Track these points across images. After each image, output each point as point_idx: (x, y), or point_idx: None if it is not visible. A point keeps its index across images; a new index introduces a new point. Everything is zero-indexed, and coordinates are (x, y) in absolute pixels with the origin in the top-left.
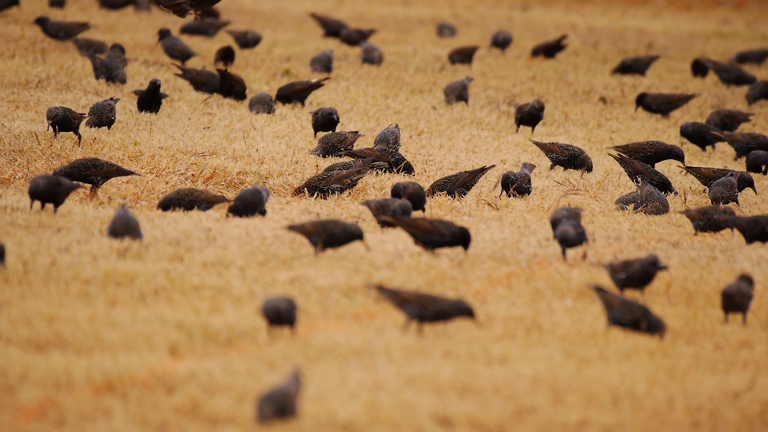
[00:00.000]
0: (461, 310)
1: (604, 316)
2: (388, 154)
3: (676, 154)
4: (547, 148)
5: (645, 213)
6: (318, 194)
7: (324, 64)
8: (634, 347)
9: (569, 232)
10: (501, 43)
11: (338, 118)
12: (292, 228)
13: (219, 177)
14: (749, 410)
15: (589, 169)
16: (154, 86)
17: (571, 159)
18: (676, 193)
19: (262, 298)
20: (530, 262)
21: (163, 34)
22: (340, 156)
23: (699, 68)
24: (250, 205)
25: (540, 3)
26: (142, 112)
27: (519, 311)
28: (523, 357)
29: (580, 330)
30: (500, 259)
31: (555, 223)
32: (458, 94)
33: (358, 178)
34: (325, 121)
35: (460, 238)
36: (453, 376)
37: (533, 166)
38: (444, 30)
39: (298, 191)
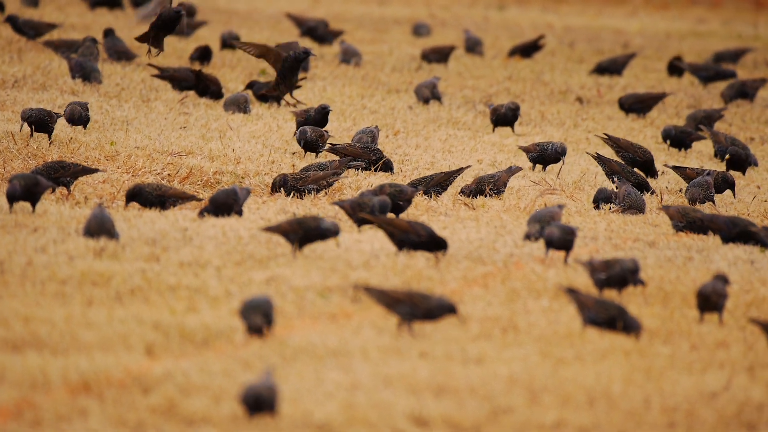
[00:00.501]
0: (446, 308)
1: (579, 316)
2: (369, 152)
3: (654, 173)
4: (526, 149)
5: (621, 212)
6: (294, 194)
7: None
8: (610, 347)
9: (554, 233)
10: (471, 47)
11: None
12: (269, 229)
13: (195, 177)
14: (725, 410)
15: (562, 154)
16: (179, 14)
17: (542, 153)
18: (653, 192)
19: (238, 298)
20: (506, 262)
21: (107, 33)
22: (317, 155)
23: (675, 68)
24: (223, 206)
25: (516, 3)
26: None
27: (495, 311)
28: (499, 357)
29: (556, 330)
30: (476, 259)
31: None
32: (429, 93)
33: (335, 180)
34: (319, 116)
35: (437, 242)
36: (429, 376)
37: (519, 168)
38: (419, 29)
39: (274, 188)
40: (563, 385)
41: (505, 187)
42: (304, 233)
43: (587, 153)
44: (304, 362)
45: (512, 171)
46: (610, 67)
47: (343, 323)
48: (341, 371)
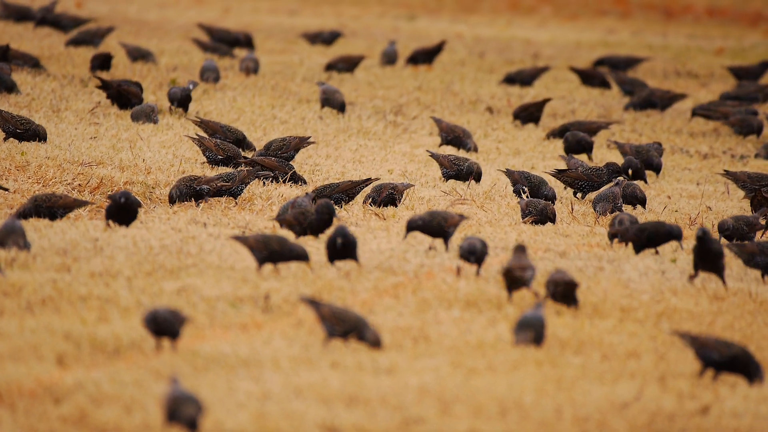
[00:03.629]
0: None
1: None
2: (285, 165)
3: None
4: (440, 162)
5: (532, 223)
6: (194, 201)
7: (215, 74)
8: (521, 357)
9: (476, 245)
10: (391, 58)
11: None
12: (237, 238)
13: (106, 187)
14: (637, 420)
15: (477, 178)
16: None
17: (459, 172)
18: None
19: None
20: (417, 272)
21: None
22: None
23: (586, 78)
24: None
25: (426, 13)
26: None
27: (406, 322)
28: (410, 367)
29: (468, 340)
30: (387, 270)
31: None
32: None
33: (243, 188)
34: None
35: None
36: (340, 386)
37: (411, 185)
38: (320, 37)
39: (172, 199)
40: (475, 395)
41: (401, 197)
42: (268, 253)
43: (499, 170)
44: (215, 372)
45: (406, 186)
46: (517, 78)
47: (254, 333)
48: (252, 381)
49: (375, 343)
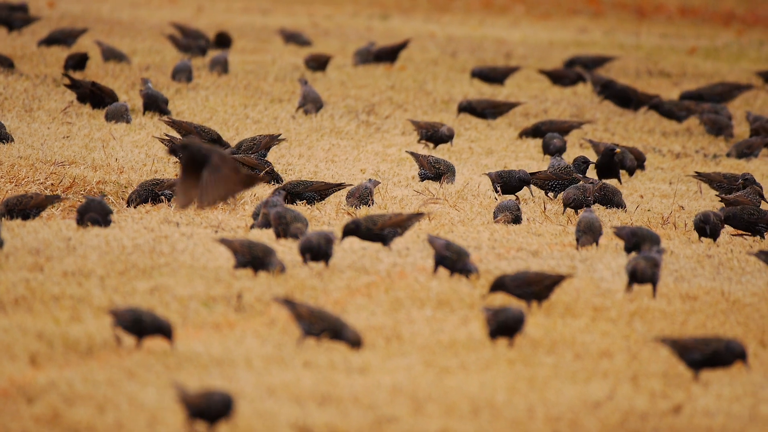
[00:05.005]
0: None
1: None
2: (263, 163)
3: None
4: (419, 162)
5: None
6: (150, 200)
7: (187, 74)
8: (494, 357)
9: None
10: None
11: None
12: (223, 241)
13: (78, 186)
14: (609, 420)
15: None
16: (611, 153)
17: (437, 175)
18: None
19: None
20: (390, 271)
21: None
22: None
23: (557, 78)
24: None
25: (399, 12)
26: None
27: (379, 321)
28: (382, 367)
29: (440, 339)
30: (360, 269)
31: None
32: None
33: None
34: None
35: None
36: (313, 385)
37: (378, 182)
38: (294, 38)
39: (129, 201)
40: (447, 394)
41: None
42: (251, 258)
43: (484, 174)
44: (188, 371)
45: (373, 183)
46: (490, 75)
47: (227, 333)
48: (225, 380)
49: (356, 342)
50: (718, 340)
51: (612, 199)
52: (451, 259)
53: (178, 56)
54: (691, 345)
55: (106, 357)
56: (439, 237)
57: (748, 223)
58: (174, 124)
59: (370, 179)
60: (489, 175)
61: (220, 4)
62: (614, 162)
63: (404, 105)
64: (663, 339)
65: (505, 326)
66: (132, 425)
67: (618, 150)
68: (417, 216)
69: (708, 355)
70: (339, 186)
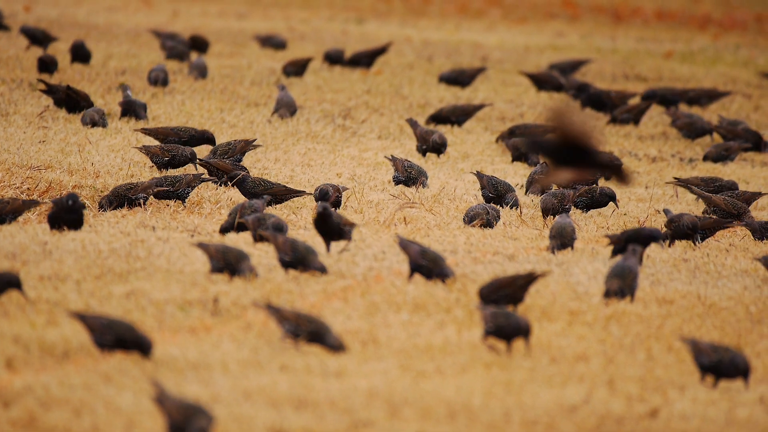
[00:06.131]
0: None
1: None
2: (240, 169)
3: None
4: (395, 166)
5: (481, 226)
6: (126, 204)
7: (162, 78)
8: (470, 360)
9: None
10: (334, 58)
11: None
12: (200, 245)
13: (55, 191)
14: (585, 423)
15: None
16: None
17: (409, 178)
18: (508, 205)
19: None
20: (366, 275)
21: None
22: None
23: (538, 81)
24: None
25: (375, 16)
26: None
27: (355, 325)
28: (359, 370)
29: (416, 343)
30: (336, 273)
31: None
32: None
33: (189, 191)
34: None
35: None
36: (289, 389)
37: (345, 188)
38: (270, 41)
39: (100, 205)
40: (423, 398)
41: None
42: (225, 262)
43: (471, 172)
44: (164, 375)
45: (341, 189)
46: (458, 79)
47: (203, 337)
48: (201, 384)
49: (338, 347)
50: (726, 350)
51: (601, 202)
52: (427, 267)
53: (155, 60)
54: (705, 349)
55: (83, 361)
56: (413, 241)
57: (688, 229)
58: (150, 132)
59: (333, 185)
60: (479, 176)
61: (195, 9)
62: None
63: (380, 109)
64: (684, 339)
65: (504, 331)
66: (109, 429)
67: None
68: (299, 192)
69: (715, 362)
70: (299, 193)
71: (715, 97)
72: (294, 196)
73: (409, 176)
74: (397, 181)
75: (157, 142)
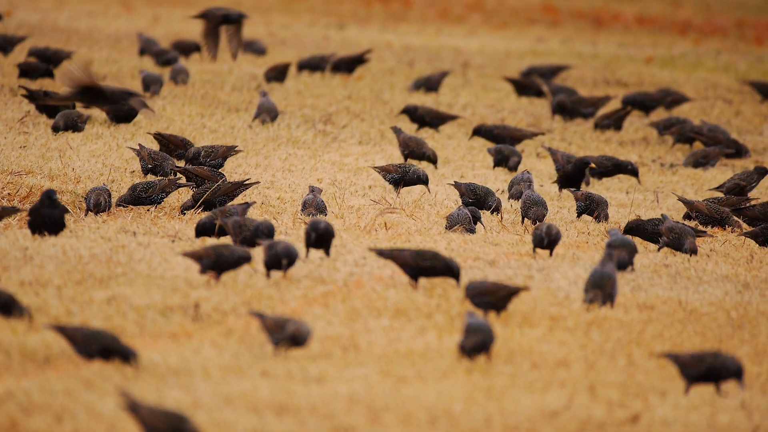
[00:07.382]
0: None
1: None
2: (218, 175)
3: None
4: (385, 169)
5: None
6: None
7: (161, 84)
8: (451, 366)
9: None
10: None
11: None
12: (187, 254)
13: (35, 196)
14: (566, 429)
15: (425, 181)
16: (585, 165)
17: (403, 175)
18: (490, 209)
19: (79, 318)
20: (347, 281)
21: None
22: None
23: (519, 87)
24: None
25: (356, 22)
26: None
27: (336, 330)
28: (340, 376)
29: (397, 349)
30: (317, 279)
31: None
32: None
33: (163, 197)
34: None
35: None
36: (270, 395)
37: (320, 190)
38: (251, 47)
39: (118, 204)
40: (404, 403)
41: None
42: (216, 259)
43: (449, 183)
44: (145, 381)
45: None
46: (427, 84)
47: (184, 342)
48: (182, 390)
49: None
50: (715, 355)
51: (594, 209)
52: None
53: (136, 66)
54: (688, 361)
55: (64, 367)
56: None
57: (652, 234)
58: (163, 139)
59: (312, 188)
60: (457, 185)
61: (176, 14)
62: (583, 174)
63: (361, 114)
64: (667, 354)
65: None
66: None
67: (593, 165)
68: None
69: (702, 371)
70: (243, 185)
71: (678, 102)
72: (243, 190)
73: (403, 170)
74: (391, 181)
75: (156, 147)
